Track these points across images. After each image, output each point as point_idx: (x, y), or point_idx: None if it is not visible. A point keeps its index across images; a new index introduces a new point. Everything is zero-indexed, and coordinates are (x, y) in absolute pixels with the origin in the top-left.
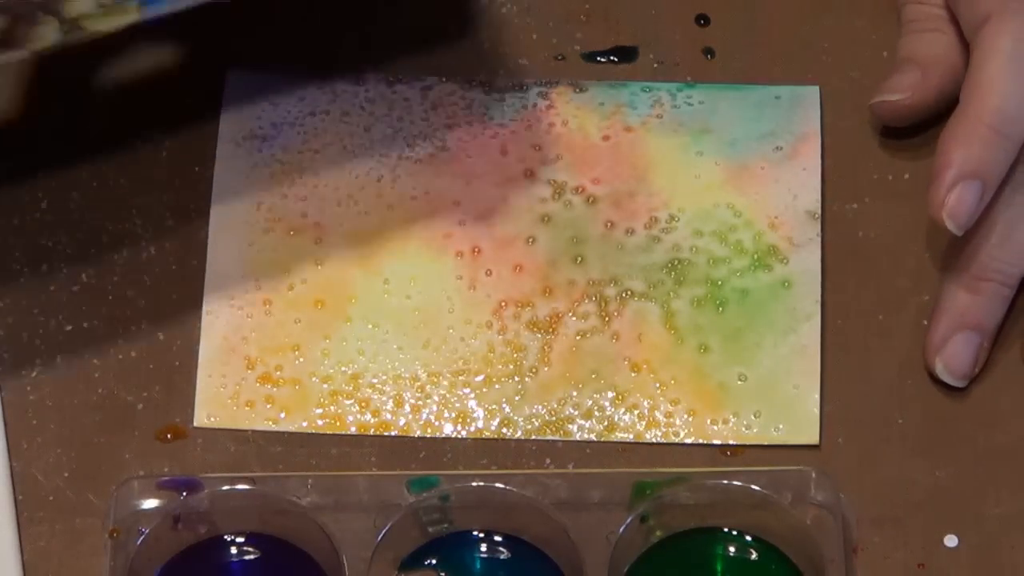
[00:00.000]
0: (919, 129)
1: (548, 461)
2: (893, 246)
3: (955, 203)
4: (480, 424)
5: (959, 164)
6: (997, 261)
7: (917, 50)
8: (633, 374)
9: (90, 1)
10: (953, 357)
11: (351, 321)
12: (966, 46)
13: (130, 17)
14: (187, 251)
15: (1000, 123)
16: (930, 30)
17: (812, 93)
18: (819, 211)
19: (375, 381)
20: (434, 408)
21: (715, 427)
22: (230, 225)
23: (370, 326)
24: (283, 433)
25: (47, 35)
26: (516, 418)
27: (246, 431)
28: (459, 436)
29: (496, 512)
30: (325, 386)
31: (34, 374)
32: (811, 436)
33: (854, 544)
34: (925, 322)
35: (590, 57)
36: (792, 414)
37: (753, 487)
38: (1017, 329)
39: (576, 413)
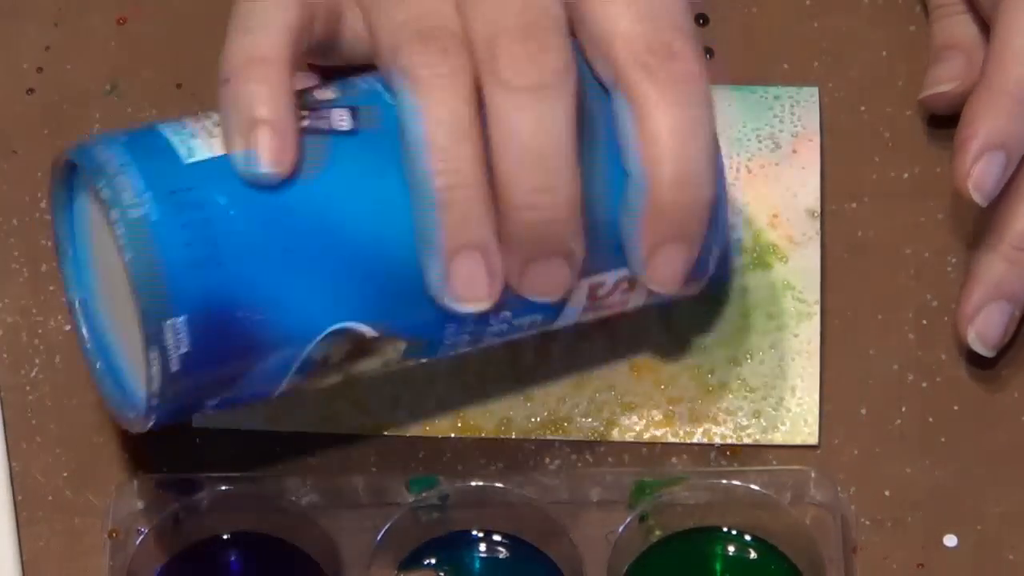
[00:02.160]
0: (919, 129)
1: (547, 461)
2: (893, 246)
3: (980, 174)
4: (479, 423)
5: (984, 135)
6: None
7: (954, 34)
8: (632, 373)
9: (377, 363)
10: (986, 327)
11: None
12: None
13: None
14: None
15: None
16: (960, 12)
17: (811, 93)
18: (819, 210)
19: (374, 380)
20: (433, 407)
21: (714, 427)
22: None
23: None
24: (282, 433)
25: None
26: (515, 418)
27: (245, 431)
28: (458, 436)
29: (495, 512)
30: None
31: (33, 374)
32: (810, 436)
33: (853, 544)
34: (925, 322)
35: None
36: (791, 414)
37: (752, 487)
38: (1017, 327)
39: (575, 413)
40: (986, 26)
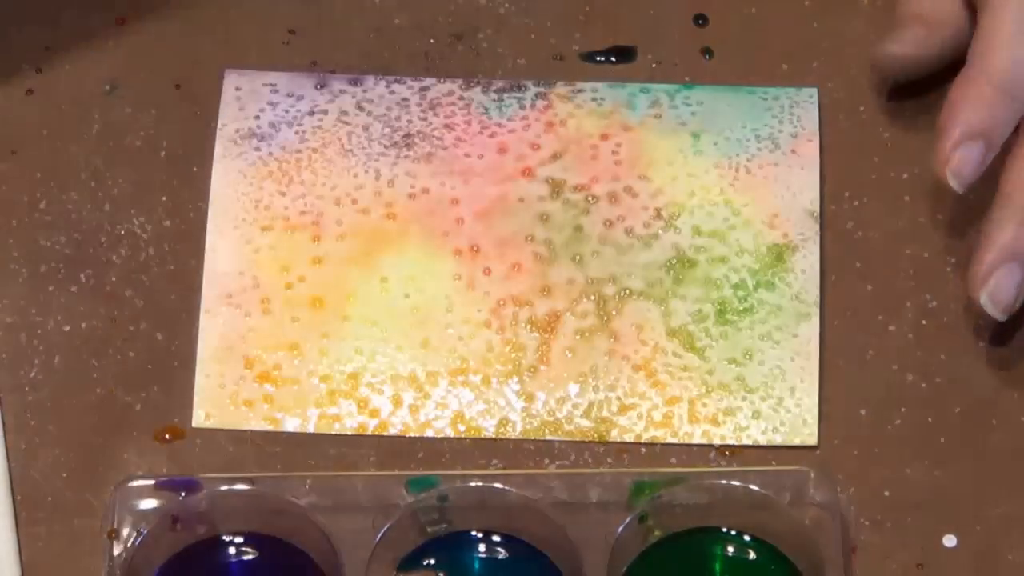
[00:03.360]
0: (919, 129)
1: (547, 461)
2: (893, 246)
3: (958, 162)
4: (479, 424)
5: (964, 124)
6: None
7: (922, 7)
8: (632, 373)
9: None
10: (999, 289)
11: (349, 320)
12: (971, 9)
13: None
14: (185, 251)
15: (1007, 84)
16: None
17: (810, 94)
18: (818, 210)
19: (373, 380)
20: (433, 408)
21: (714, 427)
22: (228, 224)
23: (368, 325)
24: (281, 433)
25: None
26: (515, 418)
27: (244, 431)
28: (458, 436)
29: (495, 512)
30: (323, 386)
31: (32, 375)
32: (809, 436)
33: (853, 544)
34: (924, 322)
35: (588, 57)
36: (790, 414)
37: (752, 487)
38: (1016, 328)
39: (575, 413)
40: (958, 8)
